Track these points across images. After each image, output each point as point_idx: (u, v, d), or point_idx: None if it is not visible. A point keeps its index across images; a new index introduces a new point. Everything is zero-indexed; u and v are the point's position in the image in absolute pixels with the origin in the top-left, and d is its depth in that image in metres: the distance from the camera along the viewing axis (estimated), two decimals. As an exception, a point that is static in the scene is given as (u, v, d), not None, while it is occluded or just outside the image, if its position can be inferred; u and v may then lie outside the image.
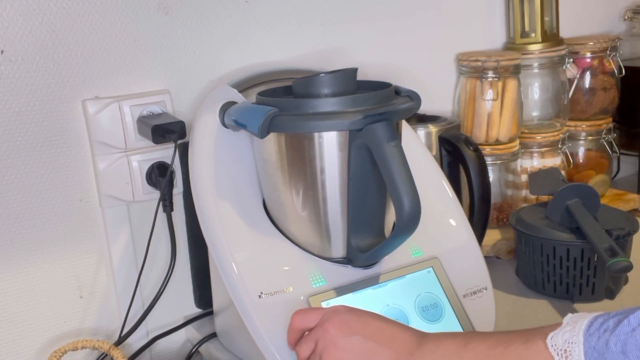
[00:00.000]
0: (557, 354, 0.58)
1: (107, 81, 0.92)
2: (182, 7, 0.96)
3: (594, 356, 0.57)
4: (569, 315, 0.62)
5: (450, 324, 0.83)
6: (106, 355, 0.89)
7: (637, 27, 1.47)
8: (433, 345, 0.66)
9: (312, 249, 0.82)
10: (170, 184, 0.94)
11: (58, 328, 0.93)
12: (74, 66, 0.89)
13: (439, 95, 1.26)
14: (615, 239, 0.95)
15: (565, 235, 0.98)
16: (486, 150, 1.18)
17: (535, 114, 1.28)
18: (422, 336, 0.68)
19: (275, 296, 0.77)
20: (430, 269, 0.85)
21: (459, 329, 0.83)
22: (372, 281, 0.82)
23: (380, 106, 0.76)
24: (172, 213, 0.94)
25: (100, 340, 0.87)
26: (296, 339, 0.73)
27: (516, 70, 1.19)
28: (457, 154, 1.02)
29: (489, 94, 1.18)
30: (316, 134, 0.76)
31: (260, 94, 0.83)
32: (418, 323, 0.81)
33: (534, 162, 1.26)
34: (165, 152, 0.94)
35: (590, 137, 1.34)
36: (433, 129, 1.09)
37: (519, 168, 1.23)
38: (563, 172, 1.24)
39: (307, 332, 0.72)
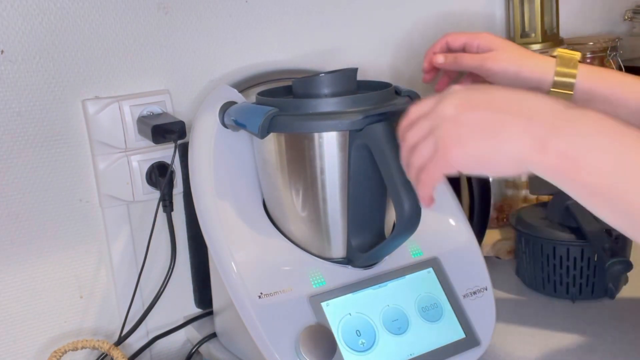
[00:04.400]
0: None
1: (107, 81, 0.92)
2: (182, 7, 0.96)
3: None
4: None
5: (450, 324, 0.83)
6: (106, 355, 0.89)
7: (637, 27, 1.47)
8: (580, 112, 0.55)
9: (312, 249, 0.82)
10: (170, 184, 0.94)
11: (58, 328, 0.93)
12: (74, 66, 0.89)
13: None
14: (615, 239, 0.95)
15: (565, 235, 0.98)
16: (486, 150, 1.18)
17: (535, 113, 1.28)
18: (565, 105, 0.56)
19: (275, 296, 0.77)
20: (430, 269, 0.85)
21: (459, 329, 0.83)
22: (372, 281, 0.82)
23: (381, 106, 0.76)
24: (172, 213, 0.94)
25: (100, 340, 0.87)
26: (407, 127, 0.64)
27: (516, 70, 1.19)
28: (457, 154, 1.02)
29: (489, 94, 1.17)
30: (316, 134, 0.76)
31: (260, 94, 0.83)
32: (418, 323, 0.81)
33: (534, 162, 1.26)
34: (165, 152, 0.94)
35: (590, 137, 1.34)
36: (433, 129, 1.09)
37: (519, 168, 1.23)
38: (563, 172, 1.23)
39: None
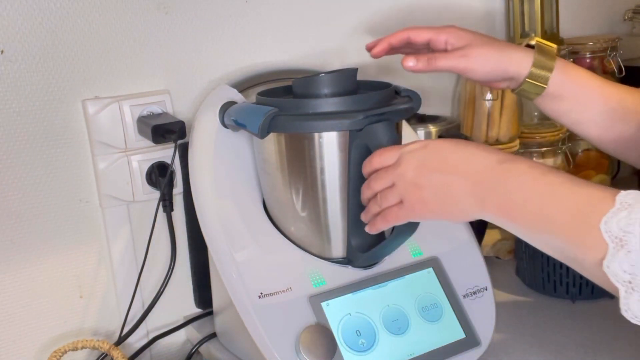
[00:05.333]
0: (612, 242, 0.56)
1: (107, 81, 0.92)
2: (182, 6, 0.96)
3: None
4: (622, 194, 0.58)
5: (450, 324, 0.83)
6: (106, 355, 0.89)
7: (637, 27, 1.47)
8: (509, 167, 0.66)
9: (312, 249, 0.82)
10: (170, 184, 0.94)
11: (58, 328, 0.93)
12: (74, 66, 0.89)
13: (439, 95, 1.26)
14: (615, 239, 0.95)
15: (565, 235, 0.98)
16: (486, 150, 1.18)
17: (535, 113, 1.28)
18: (499, 159, 0.67)
19: (275, 296, 0.77)
20: (430, 269, 0.85)
21: (459, 329, 0.83)
22: (372, 281, 0.82)
23: (381, 106, 0.76)
24: (172, 213, 0.94)
25: (100, 340, 0.87)
26: (370, 173, 0.75)
27: (516, 70, 1.19)
28: (457, 154, 1.02)
29: (489, 94, 1.18)
30: (316, 134, 0.76)
31: (260, 94, 0.83)
32: (418, 323, 0.81)
33: (534, 162, 1.26)
34: (165, 152, 0.94)
35: (590, 137, 1.34)
36: (433, 129, 1.09)
37: (519, 168, 1.23)
38: (563, 172, 1.23)
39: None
